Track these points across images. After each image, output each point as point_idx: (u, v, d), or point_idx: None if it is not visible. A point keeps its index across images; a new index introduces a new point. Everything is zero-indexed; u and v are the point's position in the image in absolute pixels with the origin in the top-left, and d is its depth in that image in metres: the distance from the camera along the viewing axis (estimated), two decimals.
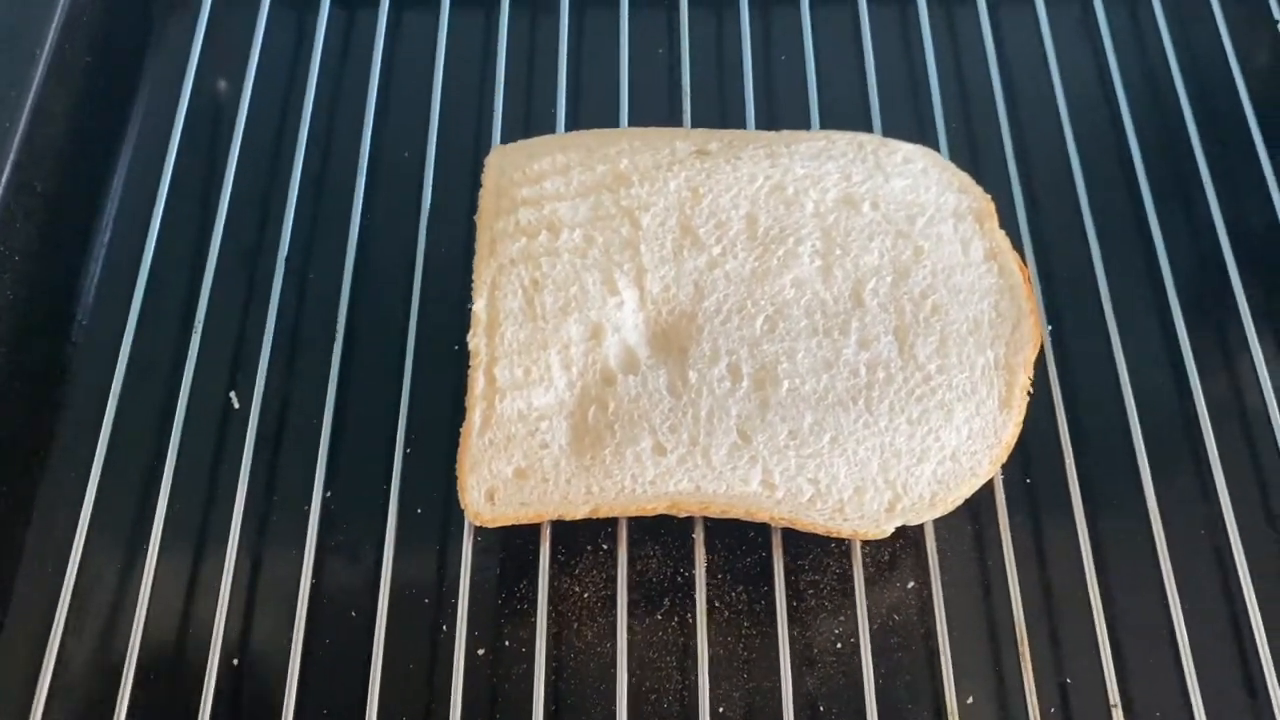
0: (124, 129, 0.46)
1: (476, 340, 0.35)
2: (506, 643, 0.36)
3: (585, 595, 0.37)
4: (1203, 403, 0.39)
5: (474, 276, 0.37)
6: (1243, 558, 0.36)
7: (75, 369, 0.41)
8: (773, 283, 0.36)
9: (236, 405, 0.40)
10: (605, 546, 0.38)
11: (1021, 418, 0.35)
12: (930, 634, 0.36)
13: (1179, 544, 0.36)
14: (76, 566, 0.36)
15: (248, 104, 0.45)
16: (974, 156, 0.45)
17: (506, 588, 0.37)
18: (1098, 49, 0.48)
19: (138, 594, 0.36)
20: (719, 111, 0.46)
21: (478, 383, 0.35)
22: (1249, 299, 0.41)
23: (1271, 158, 0.44)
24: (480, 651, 0.36)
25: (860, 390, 0.35)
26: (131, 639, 0.35)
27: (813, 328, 0.36)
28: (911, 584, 0.37)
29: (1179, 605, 0.35)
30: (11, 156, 0.39)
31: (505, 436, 0.34)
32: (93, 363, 0.41)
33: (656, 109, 0.46)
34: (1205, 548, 0.38)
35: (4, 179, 0.38)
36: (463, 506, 0.35)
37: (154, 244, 0.42)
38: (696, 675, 0.34)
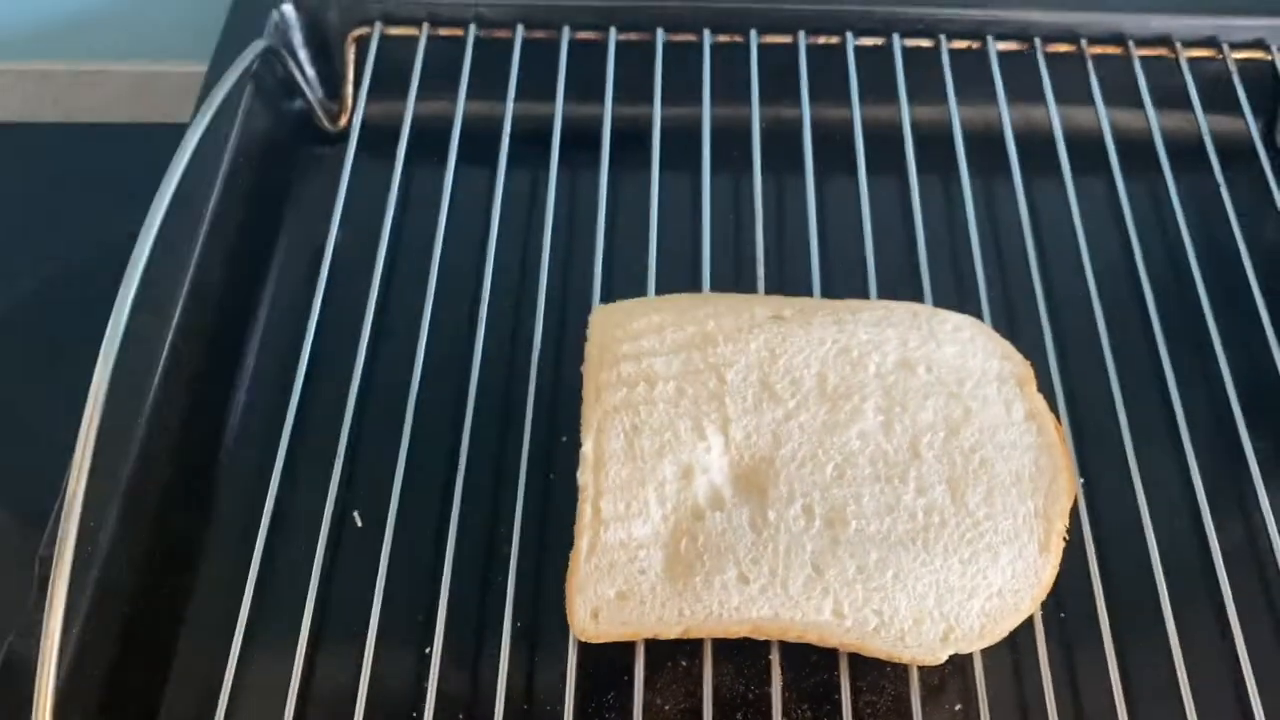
0: (266, 275, 0.53)
1: (585, 476, 0.41)
2: None
3: (666, 708, 0.42)
4: (1216, 544, 0.44)
5: (582, 420, 0.42)
6: (1254, 684, 0.41)
7: (223, 492, 0.47)
8: (841, 434, 0.42)
9: (359, 524, 0.45)
10: (684, 664, 0.43)
11: (1059, 561, 0.40)
12: None
13: (1199, 674, 0.41)
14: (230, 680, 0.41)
15: (383, 256, 0.51)
16: (1013, 322, 0.51)
17: (596, 698, 0.42)
18: (1120, 224, 0.54)
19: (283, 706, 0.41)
20: (788, 276, 0.52)
21: (585, 513, 0.40)
22: (1257, 451, 0.46)
23: (1274, 322, 0.50)
24: None
25: (918, 532, 0.40)
26: None
27: (876, 475, 0.41)
28: (958, 706, 0.42)
29: None
30: (181, 301, 0.45)
31: (609, 562, 0.40)
32: (242, 482, 0.47)
33: (728, 269, 0.52)
34: (1223, 676, 0.42)
35: (174, 322, 0.45)
36: (570, 623, 0.39)
37: (301, 379, 0.48)
38: None
